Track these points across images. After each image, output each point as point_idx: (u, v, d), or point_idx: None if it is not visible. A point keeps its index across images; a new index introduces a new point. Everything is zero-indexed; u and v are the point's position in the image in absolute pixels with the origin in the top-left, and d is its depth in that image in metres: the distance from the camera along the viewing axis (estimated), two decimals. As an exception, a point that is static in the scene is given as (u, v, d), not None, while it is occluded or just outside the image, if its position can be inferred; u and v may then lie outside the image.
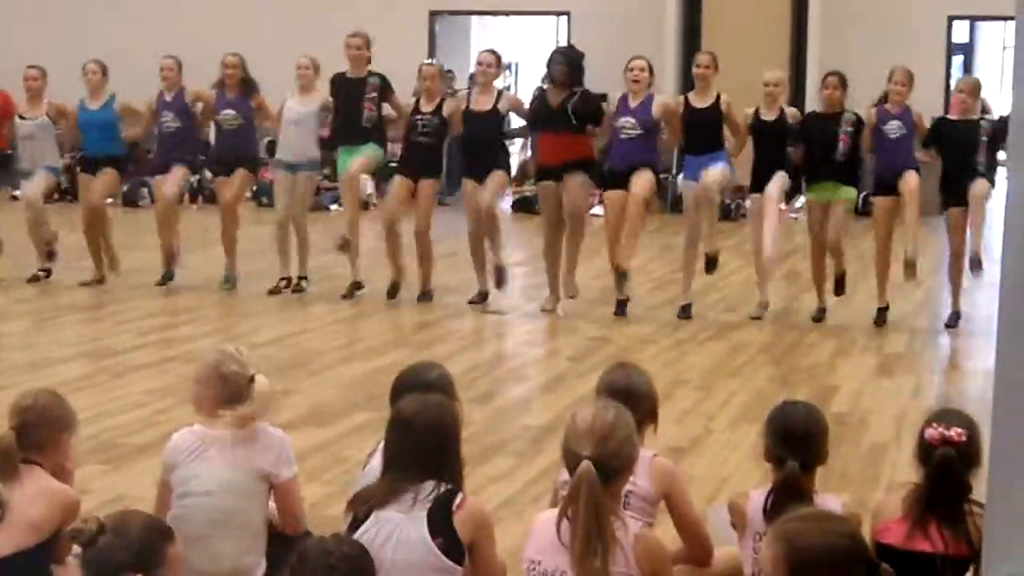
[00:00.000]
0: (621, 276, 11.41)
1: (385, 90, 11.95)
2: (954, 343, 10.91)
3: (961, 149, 10.82)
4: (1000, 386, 3.31)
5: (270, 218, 13.04)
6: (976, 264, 10.87)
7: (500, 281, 11.79)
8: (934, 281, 13.29)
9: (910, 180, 10.95)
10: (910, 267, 11.00)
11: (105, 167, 12.64)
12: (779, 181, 11.19)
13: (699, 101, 11.30)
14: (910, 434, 7.34)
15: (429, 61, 12.87)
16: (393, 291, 12.01)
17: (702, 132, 11.23)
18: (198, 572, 4.59)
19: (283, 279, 12.42)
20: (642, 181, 11.15)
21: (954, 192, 10.97)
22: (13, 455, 4.63)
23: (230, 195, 12.45)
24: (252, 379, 4.90)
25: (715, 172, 11.17)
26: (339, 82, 12.14)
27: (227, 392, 4.90)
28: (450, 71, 15.50)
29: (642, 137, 11.18)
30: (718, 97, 11.23)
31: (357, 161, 11.99)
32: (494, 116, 11.68)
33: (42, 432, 4.73)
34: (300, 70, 12.31)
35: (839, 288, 11.44)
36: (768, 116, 11.18)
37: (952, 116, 11.18)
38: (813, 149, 11.17)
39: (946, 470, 4.39)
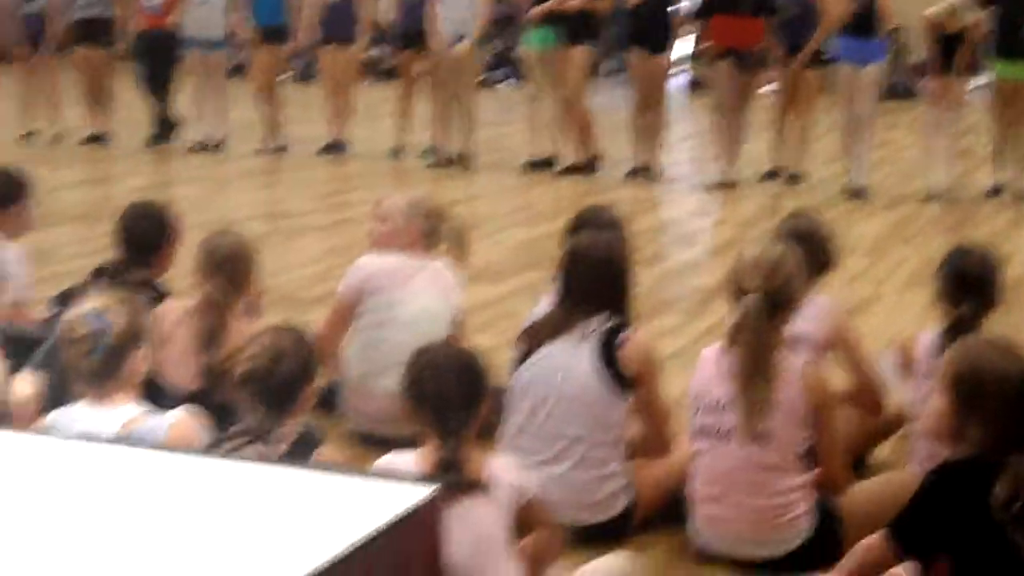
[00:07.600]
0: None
1: None
2: None
3: None
4: None
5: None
6: None
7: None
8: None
9: None
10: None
11: (273, 38, 12.68)
12: None
13: None
14: (1085, 297, 7.25)
15: None
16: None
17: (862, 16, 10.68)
18: (394, 396, 3.77)
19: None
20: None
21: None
22: None
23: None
24: (443, 218, 5.00)
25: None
26: None
27: (429, 226, 4.97)
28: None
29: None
30: None
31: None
32: None
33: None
34: None
35: None
36: None
37: None
38: (1005, 19, 10.52)
39: None
